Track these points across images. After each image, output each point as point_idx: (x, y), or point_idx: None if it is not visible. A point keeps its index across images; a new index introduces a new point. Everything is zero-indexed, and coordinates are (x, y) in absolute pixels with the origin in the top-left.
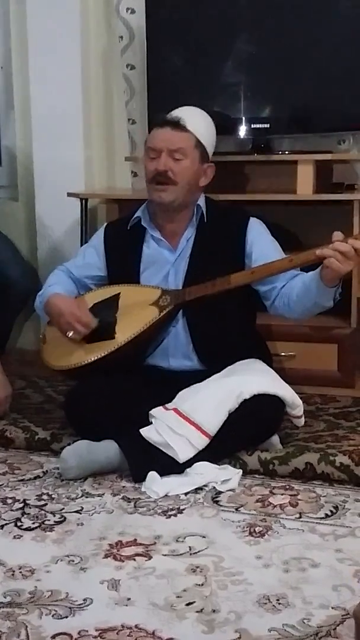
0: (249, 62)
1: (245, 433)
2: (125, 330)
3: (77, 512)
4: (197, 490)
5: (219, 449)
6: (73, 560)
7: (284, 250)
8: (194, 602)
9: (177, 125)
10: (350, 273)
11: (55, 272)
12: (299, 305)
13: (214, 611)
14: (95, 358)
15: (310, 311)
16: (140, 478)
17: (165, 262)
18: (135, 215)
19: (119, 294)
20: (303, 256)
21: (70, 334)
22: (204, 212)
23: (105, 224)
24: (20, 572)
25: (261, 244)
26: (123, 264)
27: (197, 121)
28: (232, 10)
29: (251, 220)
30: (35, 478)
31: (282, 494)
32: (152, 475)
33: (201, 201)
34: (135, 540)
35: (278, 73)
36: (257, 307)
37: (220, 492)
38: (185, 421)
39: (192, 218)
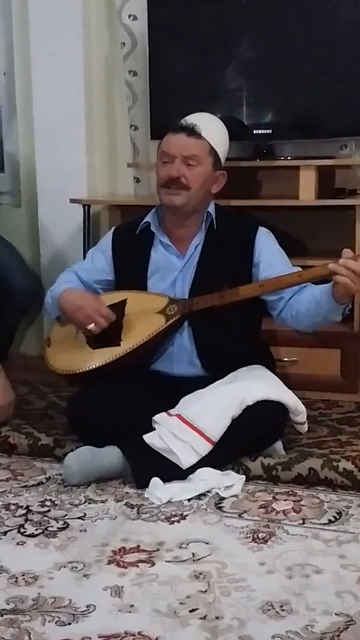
0: (250, 68)
1: (248, 439)
2: (131, 338)
3: (80, 518)
4: (200, 496)
5: (222, 455)
6: (76, 567)
7: (288, 256)
8: (197, 608)
9: (193, 131)
10: None
11: (65, 272)
12: (307, 319)
13: (217, 618)
14: (100, 364)
15: (318, 324)
16: (143, 484)
17: (173, 268)
18: (144, 220)
19: (126, 300)
20: (313, 271)
21: (92, 326)
22: (214, 219)
23: (114, 228)
24: (24, 578)
25: (269, 254)
26: (131, 268)
27: (212, 128)
28: (234, 16)
29: (260, 229)
30: (38, 484)
31: (285, 500)
32: (155, 481)
33: (211, 208)
34: (139, 546)
35: (280, 79)
36: (262, 315)
37: (223, 498)
38: (188, 427)
39: (201, 225)
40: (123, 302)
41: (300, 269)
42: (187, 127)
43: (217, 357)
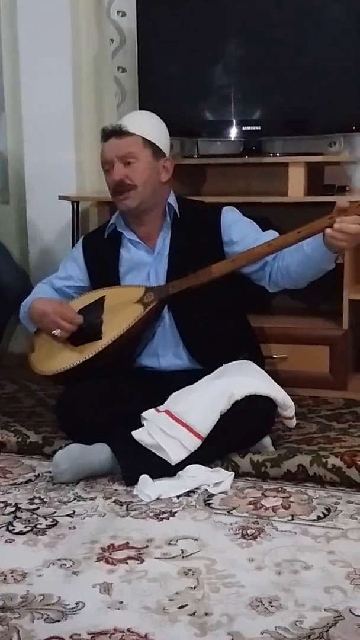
0: (239, 65)
1: (237, 434)
2: (112, 330)
3: (69, 515)
4: (190, 493)
5: (211, 450)
6: (65, 564)
7: None
8: (187, 605)
9: (120, 132)
10: (342, 275)
11: (38, 285)
12: (301, 275)
13: (206, 614)
14: (84, 359)
15: (314, 277)
16: (132, 481)
17: (144, 263)
18: (110, 223)
19: (104, 296)
20: (281, 239)
21: (57, 332)
22: (177, 210)
23: (83, 236)
24: (12, 576)
25: (237, 228)
26: (104, 271)
27: (138, 122)
28: (223, 13)
29: (223, 209)
30: (27, 482)
31: (274, 496)
32: (144, 478)
33: (172, 199)
34: (128, 543)
35: (269, 75)
36: (243, 300)
37: (212, 495)
38: (177, 423)
39: (165, 217)
40: (102, 299)
41: (276, 233)
42: (113, 130)
43: (202, 345)
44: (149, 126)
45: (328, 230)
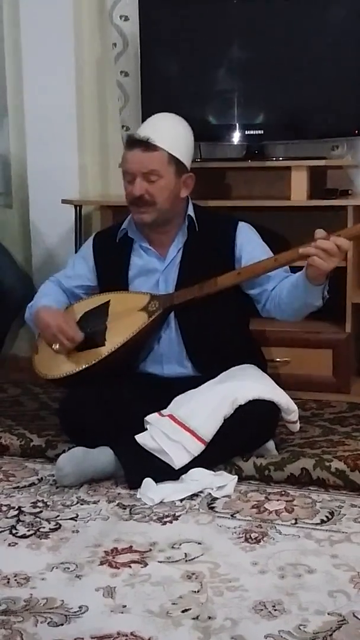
0: (242, 69)
1: (240, 438)
2: (116, 337)
3: (72, 519)
4: (193, 496)
5: (214, 454)
6: (68, 568)
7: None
8: (190, 608)
9: (147, 145)
10: (345, 278)
11: (46, 283)
12: (289, 306)
13: (209, 618)
14: (86, 366)
15: (301, 311)
16: (135, 485)
17: (154, 270)
18: (122, 228)
19: (109, 301)
20: (287, 255)
21: (56, 347)
22: (195, 220)
23: (94, 234)
24: (16, 579)
25: (250, 247)
26: (113, 274)
27: (167, 135)
28: (226, 16)
29: (240, 224)
30: (30, 485)
31: (277, 500)
32: (148, 481)
33: (191, 211)
34: (131, 547)
35: (271, 79)
36: (249, 311)
37: (215, 499)
38: (180, 427)
39: (181, 227)
40: (106, 304)
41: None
42: (141, 141)
43: (206, 355)
44: (175, 140)
45: (301, 249)
